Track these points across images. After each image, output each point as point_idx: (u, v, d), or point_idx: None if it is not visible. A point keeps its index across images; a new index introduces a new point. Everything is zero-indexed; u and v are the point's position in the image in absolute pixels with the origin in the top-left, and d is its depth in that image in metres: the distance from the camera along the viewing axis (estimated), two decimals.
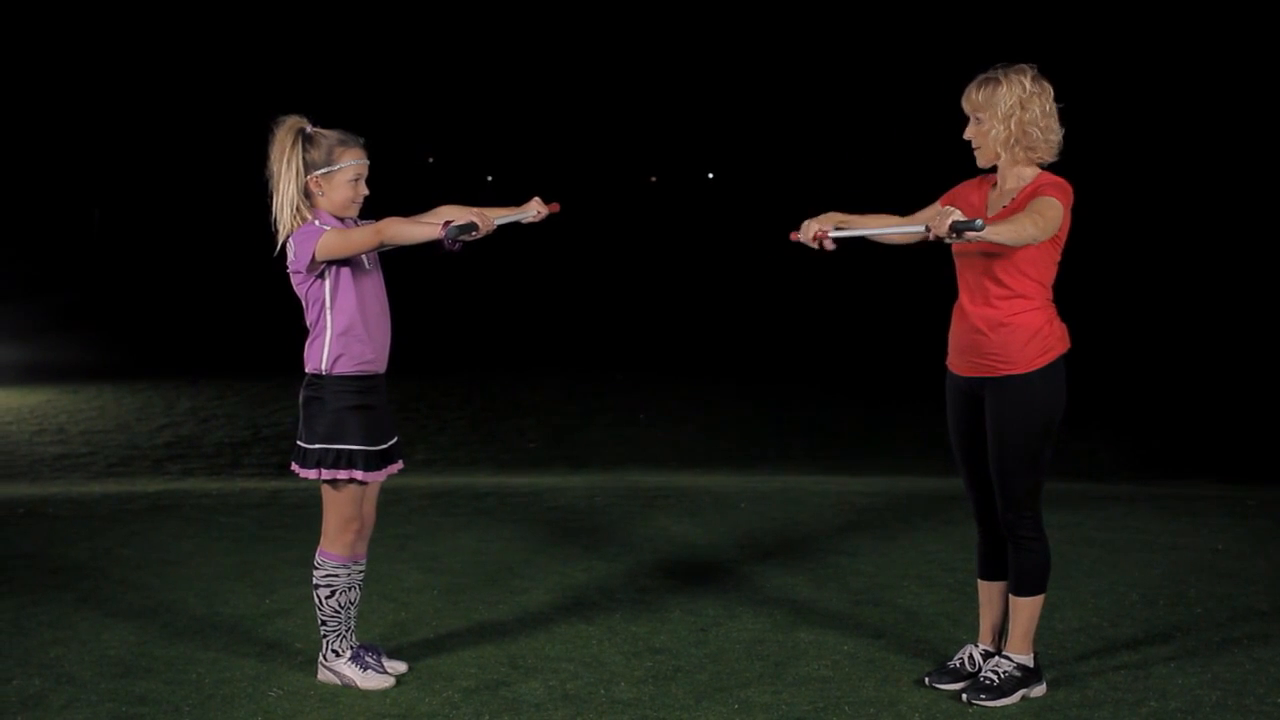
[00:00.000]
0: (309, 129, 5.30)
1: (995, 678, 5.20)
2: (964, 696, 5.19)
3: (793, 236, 5.22)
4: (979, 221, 4.64)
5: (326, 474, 5.28)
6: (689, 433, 15.50)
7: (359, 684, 5.36)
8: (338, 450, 5.28)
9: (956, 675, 5.35)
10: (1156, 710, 5.04)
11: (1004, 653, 5.28)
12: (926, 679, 5.37)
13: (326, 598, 5.40)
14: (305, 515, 8.55)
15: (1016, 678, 5.20)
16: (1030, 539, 5.20)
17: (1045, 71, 5.12)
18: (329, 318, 5.27)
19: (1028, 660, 5.25)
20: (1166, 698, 5.16)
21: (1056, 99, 5.10)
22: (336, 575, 5.40)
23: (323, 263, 5.20)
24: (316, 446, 5.29)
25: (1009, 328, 5.08)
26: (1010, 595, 5.30)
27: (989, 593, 5.44)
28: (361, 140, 5.38)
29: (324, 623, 5.44)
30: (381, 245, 5.19)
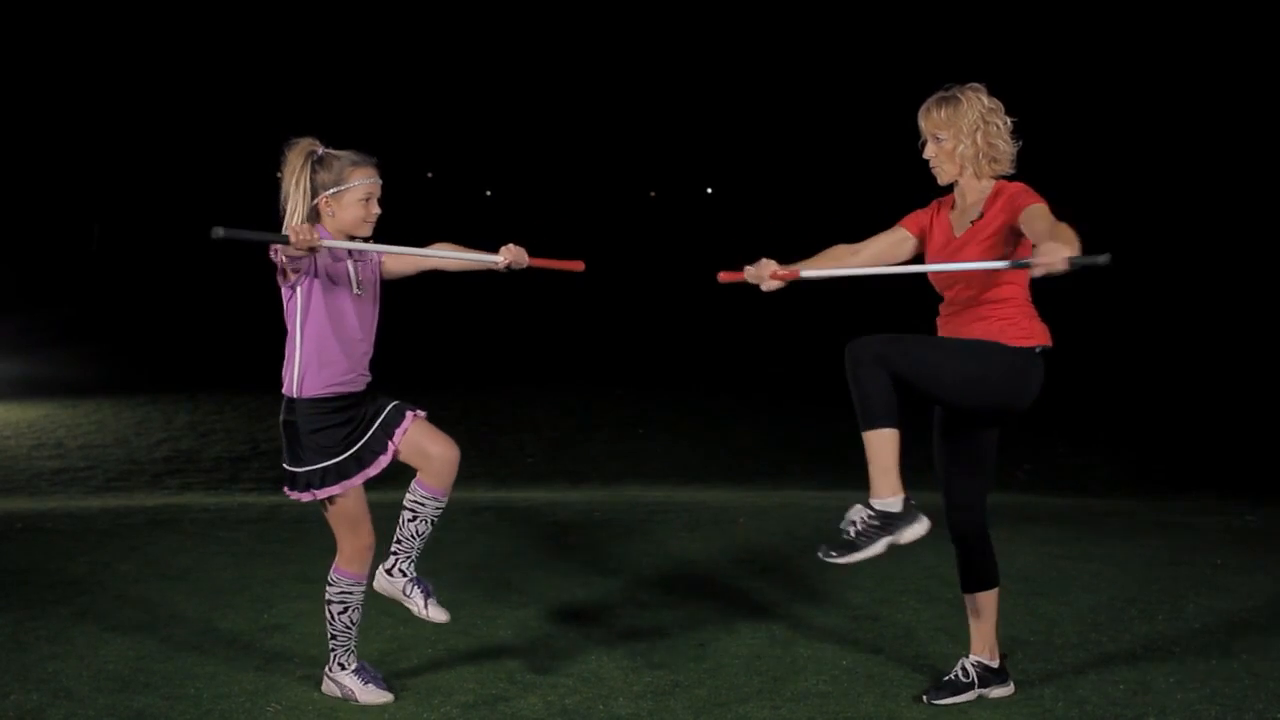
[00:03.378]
0: (320, 151, 5.30)
1: (851, 530, 5.09)
2: (925, 698, 5.34)
3: (724, 277, 5.23)
4: (1103, 257, 4.55)
5: (320, 493, 5.28)
6: (688, 448, 15.51)
7: (359, 697, 5.36)
8: (325, 468, 5.26)
9: (954, 689, 5.35)
10: None
11: (976, 659, 5.41)
12: (925, 697, 5.36)
13: (339, 613, 5.41)
14: (304, 530, 8.55)
15: (876, 527, 5.06)
16: (982, 539, 5.36)
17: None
18: (298, 337, 5.25)
19: (993, 663, 5.40)
20: (1166, 713, 5.15)
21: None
22: (350, 593, 5.42)
23: (294, 272, 5.18)
24: (304, 470, 5.28)
25: (989, 319, 5.10)
26: (979, 594, 5.39)
27: (975, 603, 5.46)
28: (374, 160, 5.36)
29: (334, 636, 5.45)
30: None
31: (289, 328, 5.29)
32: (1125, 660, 5.85)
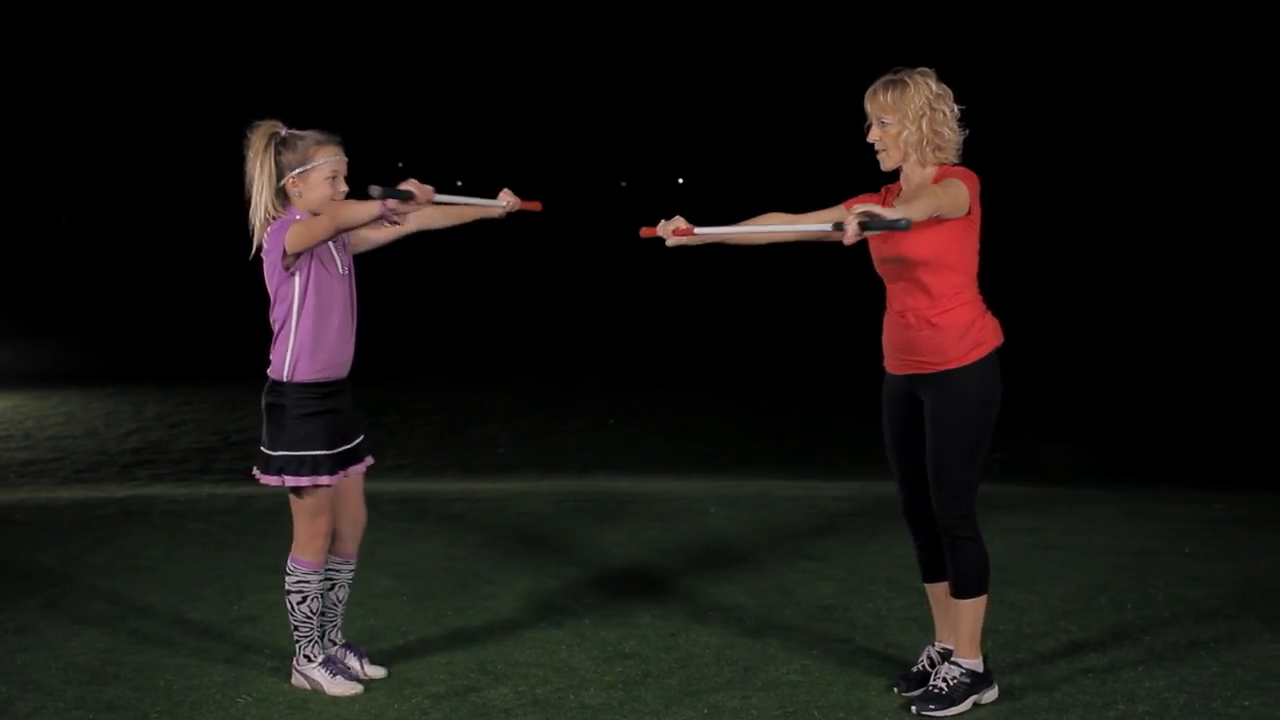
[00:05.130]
0: (284, 132, 5.30)
1: (944, 686, 5.16)
2: (913, 708, 5.16)
3: (645, 232, 5.16)
4: (904, 221, 4.53)
5: (290, 481, 5.28)
6: (659, 438, 15.49)
7: (326, 690, 5.36)
8: (301, 457, 5.27)
9: (922, 678, 5.35)
10: (1125, 713, 5.06)
11: (952, 659, 5.26)
12: (895, 688, 5.36)
13: (298, 604, 5.40)
14: (274, 521, 8.52)
15: (966, 684, 5.18)
16: (967, 539, 5.17)
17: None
18: (294, 321, 5.26)
19: (977, 665, 5.23)
20: (1135, 701, 5.18)
21: (971, 101, 5.14)
22: (308, 581, 5.41)
23: (294, 256, 5.19)
24: (280, 453, 5.29)
25: (939, 326, 5.06)
26: (951, 599, 5.28)
27: (938, 593, 5.44)
28: (338, 138, 5.37)
29: (296, 628, 5.45)
30: (338, 230, 5.13)
31: (283, 313, 5.29)
32: (1094, 649, 5.88)
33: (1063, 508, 9.22)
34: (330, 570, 5.52)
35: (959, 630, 5.25)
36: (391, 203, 4.93)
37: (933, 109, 5.05)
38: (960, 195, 4.95)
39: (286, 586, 5.43)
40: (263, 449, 5.37)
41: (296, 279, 5.24)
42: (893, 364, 5.29)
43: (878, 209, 4.54)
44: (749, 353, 23.02)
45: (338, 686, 5.38)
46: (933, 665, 5.37)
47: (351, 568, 5.58)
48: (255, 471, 5.40)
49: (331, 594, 5.54)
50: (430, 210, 5.36)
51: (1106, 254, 34.86)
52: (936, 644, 5.44)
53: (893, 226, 4.53)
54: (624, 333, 25.88)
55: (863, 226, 4.53)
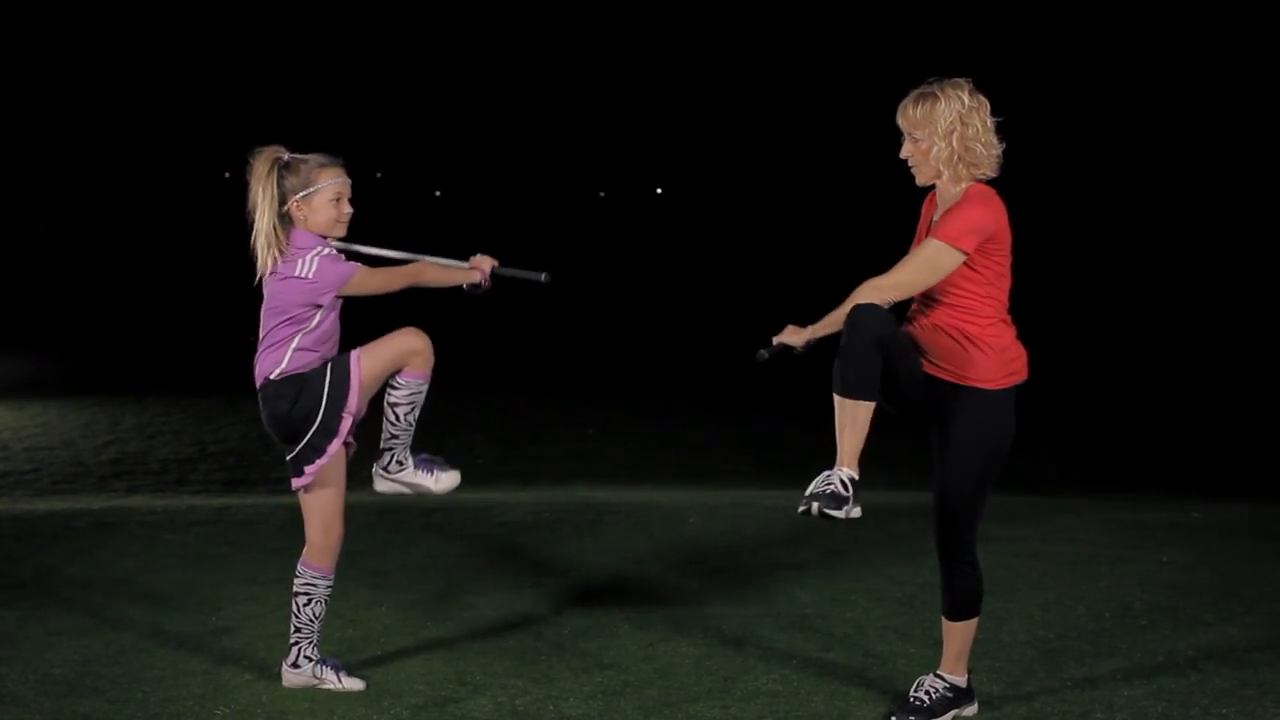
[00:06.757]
0: (286, 157, 5.34)
1: (926, 699, 5.14)
2: (893, 719, 5.15)
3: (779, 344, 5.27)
4: (762, 353, 5.17)
5: (329, 453, 5.42)
6: (638, 448, 15.48)
7: (432, 488, 5.81)
8: (313, 439, 5.38)
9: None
10: None
11: (937, 672, 5.23)
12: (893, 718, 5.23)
13: (305, 605, 5.45)
14: (252, 532, 8.50)
15: (948, 698, 5.15)
16: (965, 564, 5.11)
17: (984, 84, 4.98)
18: (296, 340, 5.29)
19: (961, 681, 5.20)
20: (1113, 709, 5.19)
21: (996, 111, 4.93)
22: (315, 585, 5.49)
23: (340, 296, 5.32)
24: (303, 443, 5.37)
25: (979, 343, 4.93)
26: (944, 620, 5.22)
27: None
28: (341, 160, 5.42)
29: (298, 629, 5.51)
30: (411, 287, 5.45)
31: (286, 328, 5.32)
32: (1072, 657, 5.89)
33: (1040, 517, 9.23)
34: (307, 585, 5.49)
35: (949, 647, 5.21)
36: (485, 276, 5.44)
37: (964, 124, 4.85)
38: (936, 258, 4.83)
39: (295, 588, 5.51)
40: (316, 434, 5.40)
41: (320, 311, 5.30)
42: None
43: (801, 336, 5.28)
44: (728, 362, 23.02)
45: (350, 681, 5.51)
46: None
47: (329, 583, 5.55)
48: (329, 449, 5.44)
49: (308, 609, 5.49)
50: (433, 272, 5.56)
51: (1078, 261, 34.96)
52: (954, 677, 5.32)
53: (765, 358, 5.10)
54: (603, 343, 25.88)
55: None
